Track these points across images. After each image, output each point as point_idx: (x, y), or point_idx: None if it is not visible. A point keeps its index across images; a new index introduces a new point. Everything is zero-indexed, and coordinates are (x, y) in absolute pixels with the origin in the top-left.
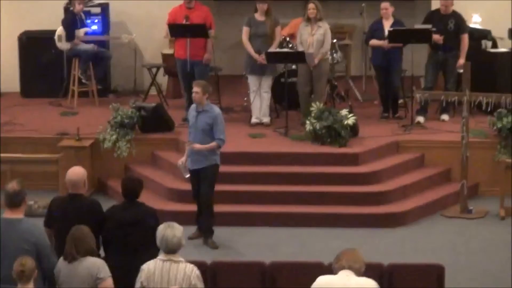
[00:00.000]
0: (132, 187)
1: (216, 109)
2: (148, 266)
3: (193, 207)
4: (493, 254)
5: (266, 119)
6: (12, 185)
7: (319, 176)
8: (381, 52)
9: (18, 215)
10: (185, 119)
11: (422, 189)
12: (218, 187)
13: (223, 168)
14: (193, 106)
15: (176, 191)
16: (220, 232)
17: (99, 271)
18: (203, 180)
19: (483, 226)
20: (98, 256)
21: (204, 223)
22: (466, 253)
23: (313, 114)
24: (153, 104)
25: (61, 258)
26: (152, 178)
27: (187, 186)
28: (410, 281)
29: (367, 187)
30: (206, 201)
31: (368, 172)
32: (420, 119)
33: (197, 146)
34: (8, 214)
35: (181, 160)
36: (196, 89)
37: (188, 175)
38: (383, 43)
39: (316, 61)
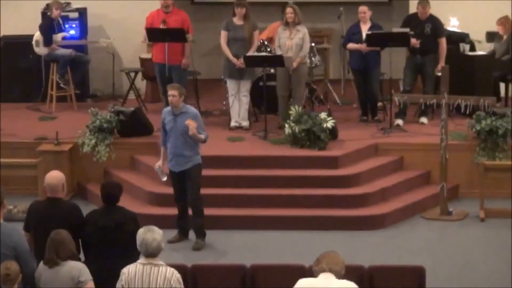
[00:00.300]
0: (112, 191)
1: (193, 109)
2: (129, 270)
3: (173, 211)
4: (473, 256)
5: (245, 123)
6: None
7: (298, 179)
8: (359, 56)
9: None
10: None
11: (401, 191)
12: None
13: (202, 172)
14: (167, 110)
15: (156, 194)
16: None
17: (80, 275)
18: (189, 181)
19: (463, 228)
20: (79, 260)
21: (195, 224)
22: (447, 255)
23: (292, 118)
24: (132, 108)
25: (41, 263)
26: (131, 182)
27: (167, 190)
28: (390, 283)
29: (347, 190)
30: (195, 201)
31: (347, 175)
32: (399, 122)
33: (196, 133)
34: None
35: (158, 164)
36: (173, 92)
37: (165, 179)
38: (361, 46)
39: (295, 64)
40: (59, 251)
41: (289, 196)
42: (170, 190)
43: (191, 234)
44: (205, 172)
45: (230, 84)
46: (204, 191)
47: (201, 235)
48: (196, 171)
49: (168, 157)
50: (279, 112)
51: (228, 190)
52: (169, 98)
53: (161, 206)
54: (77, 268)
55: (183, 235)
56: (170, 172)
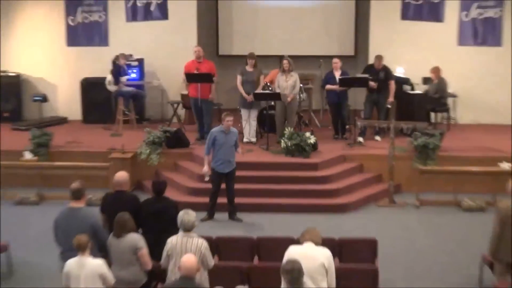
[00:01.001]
0: (160, 186)
1: (234, 128)
2: (172, 240)
3: (203, 200)
4: (411, 231)
5: (254, 139)
6: (75, 184)
7: (290, 178)
8: (334, 93)
9: (79, 204)
10: (198, 139)
11: (361, 187)
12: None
13: None
14: (218, 131)
15: (191, 188)
16: (221, 216)
17: (138, 243)
18: (232, 179)
19: (404, 213)
20: (137, 233)
21: (234, 207)
22: (392, 231)
23: (286, 136)
24: (175, 129)
25: (111, 235)
26: (174, 179)
27: (199, 185)
28: (353, 251)
29: (324, 185)
30: (233, 192)
31: (324, 176)
32: (361, 139)
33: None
34: (72, 204)
35: (206, 168)
36: (231, 118)
37: (208, 179)
38: (336, 87)
39: (289, 99)
40: (123, 227)
41: (284, 189)
42: (201, 185)
43: (216, 215)
44: None
45: (243, 112)
46: (223, 186)
47: (236, 212)
48: (235, 172)
49: (217, 162)
50: (277, 131)
51: (241, 185)
52: (228, 123)
53: (195, 196)
54: (136, 239)
55: (211, 216)
56: (217, 173)
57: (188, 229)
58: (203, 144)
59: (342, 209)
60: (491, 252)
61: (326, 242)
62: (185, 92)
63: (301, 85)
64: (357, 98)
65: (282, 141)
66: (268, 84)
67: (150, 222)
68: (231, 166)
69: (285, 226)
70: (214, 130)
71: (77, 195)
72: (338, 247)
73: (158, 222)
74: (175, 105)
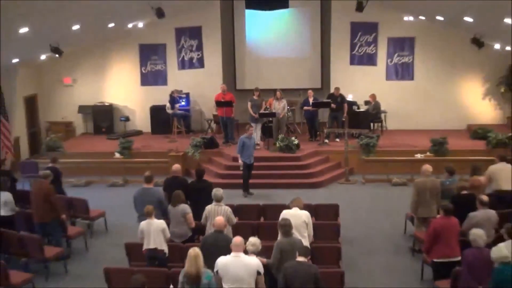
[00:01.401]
0: (200, 172)
1: (253, 135)
2: (208, 207)
3: (229, 181)
4: (359, 199)
5: (260, 142)
6: (147, 173)
7: (283, 166)
8: (309, 112)
9: (150, 185)
10: (224, 143)
11: (328, 171)
12: (239, 172)
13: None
14: (244, 137)
15: (221, 173)
16: (240, 192)
17: (186, 209)
18: (251, 167)
19: (355, 187)
20: (186, 203)
21: (248, 185)
22: (348, 199)
23: (279, 139)
24: (210, 136)
25: (170, 205)
26: (209, 168)
27: (225, 172)
28: (323, 212)
29: (304, 170)
30: (251, 176)
31: (305, 164)
32: (326, 140)
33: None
34: (145, 185)
35: (241, 162)
36: (253, 128)
37: (242, 168)
38: (309, 108)
39: (281, 116)
40: (177, 200)
41: (279, 173)
42: (226, 172)
43: (236, 191)
44: None
45: (252, 125)
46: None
47: (249, 189)
48: (253, 163)
49: (245, 156)
50: (274, 137)
51: (252, 171)
52: (251, 131)
53: (223, 179)
54: (185, 207)
55: (246, 192)
56: (246, 163)
57: (218, 200)
58: (227, 146)
59: (316, 186)
60: (412, 211)
61: (306, 207)
62: (216, 113)
63: (288, 107)
64: (323, 114)
65: (277, 143)
66: (267, 107)
67: (194, 196)
68: (253, 159)
69: (280, 197)
70: (242, 137)
71: (148, 179)
72: (314, 210)
73: (199, 196)
74: (209, 121)
